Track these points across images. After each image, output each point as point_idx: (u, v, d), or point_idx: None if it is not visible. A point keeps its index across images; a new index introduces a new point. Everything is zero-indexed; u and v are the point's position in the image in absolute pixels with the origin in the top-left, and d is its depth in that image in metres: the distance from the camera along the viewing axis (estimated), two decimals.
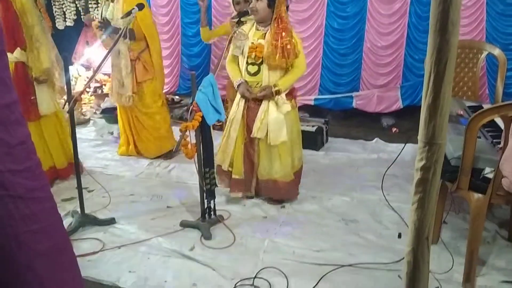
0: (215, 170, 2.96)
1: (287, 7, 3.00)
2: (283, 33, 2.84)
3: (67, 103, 2.78)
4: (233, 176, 3.15)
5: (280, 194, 3.15)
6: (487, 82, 4.27)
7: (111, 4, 3.73)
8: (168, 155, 4.05)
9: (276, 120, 2.98)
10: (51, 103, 3.31)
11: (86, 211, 2.96)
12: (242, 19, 2.99)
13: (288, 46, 2.84)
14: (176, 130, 4.45)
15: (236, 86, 3.05)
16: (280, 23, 2.85)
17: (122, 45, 3.66)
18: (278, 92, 2.94)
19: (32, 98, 3.21)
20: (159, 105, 4.00)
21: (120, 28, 3.47)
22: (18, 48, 3.07)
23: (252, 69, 2.99)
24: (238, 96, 3.10)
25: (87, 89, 5.92)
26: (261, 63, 2.95)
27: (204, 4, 3.82)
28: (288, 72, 2.98)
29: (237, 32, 2.91)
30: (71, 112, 2.75)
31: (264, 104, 3.01)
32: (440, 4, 0.98)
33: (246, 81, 3.02)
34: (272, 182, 3.12)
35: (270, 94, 2.95)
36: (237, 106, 3.10)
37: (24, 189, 1.33)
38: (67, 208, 3.14)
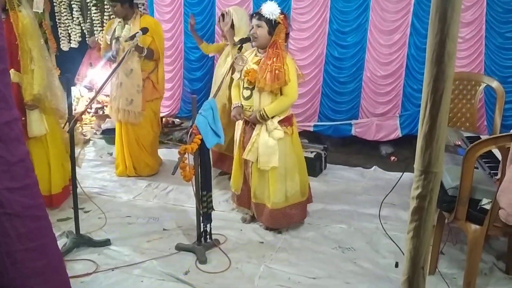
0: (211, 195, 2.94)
1: (287, 34, 3.04)
2: (275, 58, 2.87)
3: (67, 123, 2.79)
4: (231, 189, 3.33)
5: (266, 220, 3.12)
6: (485, 114, 4.30)
7: (127, 26, 3.89)
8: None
9: (266, 145, 2.97)
10: (41, 125, 3.21)
11: (82, 231, 2.94)
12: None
13: (277, 72, 2.85)
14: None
15: (232, 107, 3.17)
16: (274, 48, 2.90)
17: (135, 64, 3.87)
18: (262, 117, 2.95)
19: (22, 119, 3.16)
20: (157, 123, 4.30)
21: (143, 47, 3.81)
22: (12, 69, 3.01)
23: (246, 93, 3.05)
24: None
25: (88, 110, 5.96)
26: (253, 88, 2.99)
27: (193, 23, 4.18)
28: (277, 99, 2.97)
29: (237, 57, 2.95)
30: (71, 132, 2.76)
31: (257, 128, 3.03)
32: (437, 35, 1.01)
33: (242, 105, 3.08)
34: (262, 206, 3.14)
35: (254, 118, 2.99)
36: (237, 128, 3.22)
37: (21, 207, 1.33)
38: (62, 228, 3.12)
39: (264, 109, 2.94)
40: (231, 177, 3.30)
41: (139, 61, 3.88)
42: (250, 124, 3.09)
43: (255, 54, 3.06)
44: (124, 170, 4.17)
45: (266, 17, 2.90)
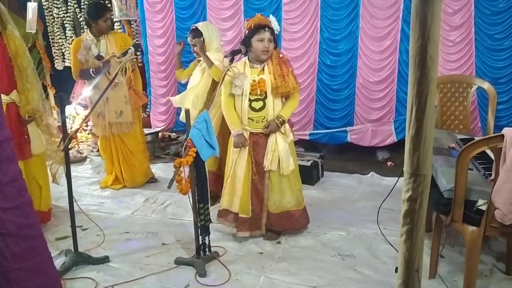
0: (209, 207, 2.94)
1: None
2: (287, 64, 3.04)
3: (62, 141, 2.80)
4: (240, 215, 3.13)
5: (296, 224, 3.17)
6: (479, 115, 4.32)
7: (102, 41, 3.97)
8: (152, 180, 4.40)
9: (285, 149, 3.05)
10: (41, 143, 3.24)
11: (80, 249, 2.93)
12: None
13: (292, 75, 3.02)
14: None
15: (234, 135, 3.08)
16: (279, 56, 3.02)
17: (119, 77, 3.89)
18: (283, 122, 3.02)
19: (25, 137, 3.18)
20: (142, 130, 4.44)
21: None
22: (15, 90, 3.07)
23: (257, 105, 3.03)
24: None
25: (84, 127, 5.97)
26: (265, 97, 3.01)
27: (181, 48, 4.01)
28: (286, 103, 3.08)
29: (234, 71, 2.95)
30: (66, 150, 2.77)
31: (272, 136, 3.05)
32: (418, 39, 1.02)
33: (249, 118, 3.04)
34: (286, 214, 3.13)
35: (276, 127, 3.01)
36: (237, 151, 3.11)
37: (15, 227, 1.33)
38: (60, 247, 3.11)
39: (281, 114, 3.02)
40: (239, 202, 3.12)
41: (122, 73, 3.87)
42: (259, 135, 3.07)
43: (251, 66, 3.05)
44: (118, 182, 4.26)
45: (273, 31, 3.00)
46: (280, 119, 3.00)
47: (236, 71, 2.97)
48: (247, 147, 3.07)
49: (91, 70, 3.89)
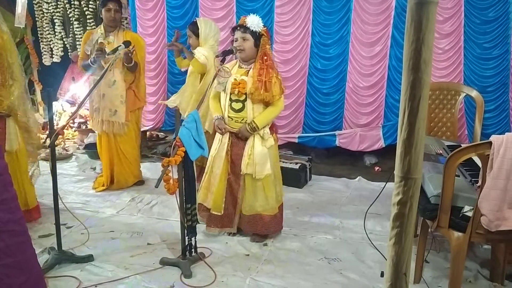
0: (196, 207, 2.93)
1: (271, 45, 3.13)
2: (270, 70, 2.95)
3: (48, 138, 2.75)
4: (212, 212, 3.15)
5: (265, 228, 3.14)
6: (466, 123, 4.37)
7: (110, 37, 3.93)
8: (139, 183, 4.30)
9: (261, 154, 3.04)
10: (16, 140, 3.15)
11: (64, 247, 2.88)
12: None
13: (274, 81, 2.95)
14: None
15: (214, 119, 3.13)
16: (265, 60, 2.95)
17: (118, 75, 3.89)
18: (254, 129, 2.99)
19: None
20: (139, 133, 4.33)
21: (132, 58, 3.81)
22: None
23: (236, 105, 3.04)
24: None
25: (71, 124, 5.91)
26: (245, 99, 3.00)
27: (174, 37, 4.28)
28: (266, 109, 3.03)
29: (221, 69, 2.95)
30: (52, 146, 2.73)
31: (250, 139, 3.05)
32: (412, 43, 1.02)
33: (229, 117, 3.06)
34: (257, 217, 3.12)
35: (246, 132, 3.01)
36: (219, 143, 3.13)
37: (0, 222, 1.30)
38: (43, 244, 3.06)
39: (254, 121, 2.98)
40: (212, 199, 3.14)
41: (122, 72, 3.91)
42: (239, 136, 3.08)
43: (239, 66, 3.07)
44: (109, 184, 4.18)
45: (251, 30, 2.95)
46: (252, 125, 2.98)
47: (226, 70, 2.97)
48: (226, 146, 3.09)
49: (89, 59, 3.84)
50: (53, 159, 2.77)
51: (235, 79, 3.01)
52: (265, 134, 3.05)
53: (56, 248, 2.84)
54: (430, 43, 1.02)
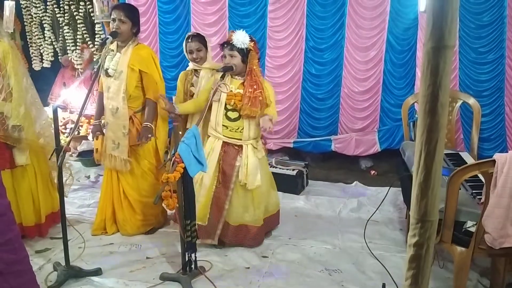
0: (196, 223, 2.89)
1: (259, 59, 3.17)
2: (255, 86, 3.00)
3: (53, 154, 2.70)
4: (196, 221, 3.02)
5: (250, 240, 3.17)
6: (461, 128, 4.38)
7: (118, 54, 3.26)
8: (151, 231, 3.52)
9: (253, 164, 3.08)
10: (23, 156, 3.14)
11: (62, 262, 2.85)
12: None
13: (260, 98, 3.02)
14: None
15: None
16: (252, 76, 3.02)
17: (120, 102, 3.24)
18: (271, 120, 2.98)
19: (7, 144, 3.07)
20: (152, 167, 3.45)
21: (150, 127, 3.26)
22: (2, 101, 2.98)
23: (233, 115, 3.09)
24: (211, 142, 3.15)
25: (63, 131, 5.82)
26: (240, 109, 3.06)
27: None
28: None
29: (221, 85, 2.99)
30: (60, 165, 2.68)
31: (244, 149, 3.08)
32: (429, 87, 1.01)
33: (223, 125, 3.09)
34: (243, 227, 3.15)
35: (267, 122, 2.95)
36: (211, 151, 3.13)
37: (4, 264, 1.27)
38: (40, 261, 3.01)
39: (270, 111, 3.06)
40: (198, 208, 2.95)
41: (125, 98, 3.24)
42: (232, 145, 3.11)
43: (232, 77, 3.11)
44: (109, 227, 3.50)
45: (238, 47, 2.98)
46: (270, 117, 2.99)
47: (226, 84, 3.02)
48: (218, 156, 3.09)
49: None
50: (60, 176, 2.72)
51: (231, 91, 3.06)
52: (259, 145, 3.12)
53: (64, 264, 2.81)
54: (446, 87, 1.00)
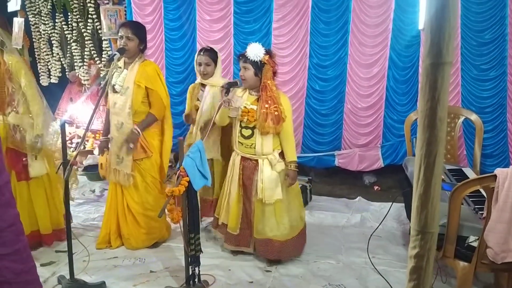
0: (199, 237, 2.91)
1: (275, 72, 3.11)
2: (269, 101, 2.97)
3: (63, 170, 2.74)
4: (228, 230, 3.24)
5: (275, 253, 3.15)
6: (464, 143, 4.40)
7: (125, 70, 3.30)
8: (156, 245, 3.53)
9: (270, 178, 3.06)
10: (42, 165, 3.27)
11: (65, 274, 2.87)
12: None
13: (276, 113, 2.97)
14: None
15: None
16: (267, 91, 2.98)
17: (126, 117, 3.27)
18: (295, 165, 3.09)
19: (24, 159, 3.21)
20: (156, 181, 3.45)
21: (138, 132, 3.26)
22: (12, 112, 3.09)
23: (246, 132, 3.09)
24: (233, 156, 3.21)
25: (69, 145, 5.88)
26: (254, 127, 3.05)
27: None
28: (284, 141, 3.09)
29: (232, 110, 3.04)
30: (67, 179, 2.72)
31: (260, 164, 3.09)
32: (428, 102, 1.04)
33: (239, 142, 3.12)
34: (268, 242, 3.14)
35: (294, 173, 3.08)
36: (233, 165, 3.20)
37: (12, 274, 1.30)
38: (40, 274, 3.03)
39: (291, 161, 3.08)
40: (229, 219, 3.22)
41: (130, 114, 3.27)
42: (249, 160, 3.12)
43: (249, 93, 3.11)
44: (113, 242, 3.51)
45: (252, 59, 2.97)
46: (292, 165, 3.07)
47: (237, 109, 3.05)
48: (238, 170, 3.14)
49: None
50: (67, 189, 2.76)
51: (245, 107, 3.05)
52: (272, 159, 3.07)
53: (68, 277, 2.82)
54: (445, 102, 1.04)
